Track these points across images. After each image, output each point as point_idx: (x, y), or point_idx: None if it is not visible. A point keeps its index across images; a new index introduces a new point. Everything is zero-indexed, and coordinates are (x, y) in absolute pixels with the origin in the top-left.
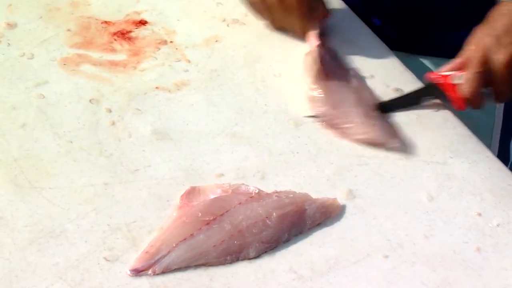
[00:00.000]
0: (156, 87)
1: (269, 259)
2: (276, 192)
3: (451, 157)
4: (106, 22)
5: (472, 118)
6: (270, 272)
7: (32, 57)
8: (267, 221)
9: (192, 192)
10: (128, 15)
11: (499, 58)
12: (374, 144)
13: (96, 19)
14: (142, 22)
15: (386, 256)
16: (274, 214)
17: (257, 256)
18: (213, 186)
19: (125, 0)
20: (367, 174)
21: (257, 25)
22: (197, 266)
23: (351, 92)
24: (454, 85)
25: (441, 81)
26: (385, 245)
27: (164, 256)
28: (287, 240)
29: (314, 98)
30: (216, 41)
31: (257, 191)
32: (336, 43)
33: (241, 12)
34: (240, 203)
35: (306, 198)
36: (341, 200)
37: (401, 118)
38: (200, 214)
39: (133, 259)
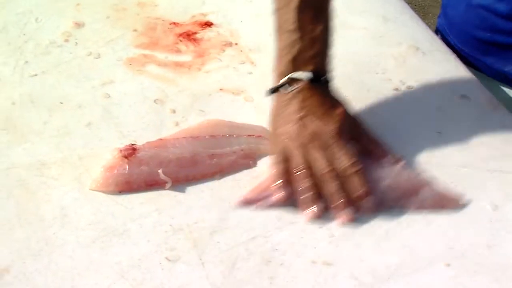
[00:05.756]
0: (220, 89)
1: (328, 267)
2: (403, 163)
3: None
4: (174, 23)
5: None
6: (331, 277)
7: (98, 56)
8: (378, 184)
9: None
10: (194, 16)
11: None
12: None
13: (163, 20)
14: (208, 24)
15: (448, 265)
16: (387, 181)
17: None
18: None
19: (191, 2)
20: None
21: None
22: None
23: None
24: None
25: None
26: (448, 254)
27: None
28: (387, 209)
29: None
30: None
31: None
32: (402, 49)
33: None
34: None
35: (425, 181)
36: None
37: (466, 125)
38: None
39: (194, 259)
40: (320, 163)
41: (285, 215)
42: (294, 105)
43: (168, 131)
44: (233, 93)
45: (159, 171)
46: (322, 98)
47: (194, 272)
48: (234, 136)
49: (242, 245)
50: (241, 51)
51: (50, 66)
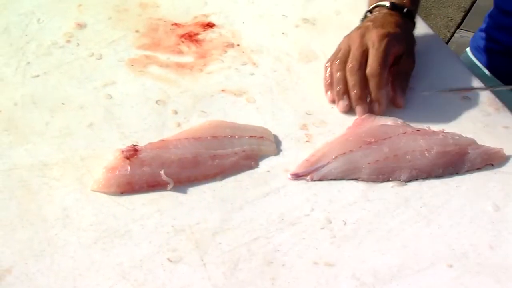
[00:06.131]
0: (222, 90)
1: (330, 268)
2: (443, 132)
3: None
4: (176, 24)
5: None
6: (332, 278)
7: (100, 57)
8: (426, 153)
9: (368, 118)
10: (196, 17)
11: None
12: None
13: (165, 21)
14: (210, 25)
15: (450, 266)
16: (435, 148)
17: (407, 181)
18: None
19: (194, 3)
20: (433, 183)
21: (326, 27)
22: (350, 179)
23: None
24: None
25: None
26: (449, 255)
27: (323, 166)
28: (440, 176)
29: None
30: (283, 44)
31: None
32: None
33: (309, 14)
34: (405, 132)
35: (471, 142)
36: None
37: (467, 125)
38: (364, 135)
39: (196, 260)
40: (354, 54)
41: (287, 216)
42: (365, 22)
43: (170, 132)
44: (235, 94)
45: (161, 172)
46: (393, 19)
47: (196, 273)
48: (236, 137)
49: (244, 246)
50: (243, 52)
51: (52, 67)
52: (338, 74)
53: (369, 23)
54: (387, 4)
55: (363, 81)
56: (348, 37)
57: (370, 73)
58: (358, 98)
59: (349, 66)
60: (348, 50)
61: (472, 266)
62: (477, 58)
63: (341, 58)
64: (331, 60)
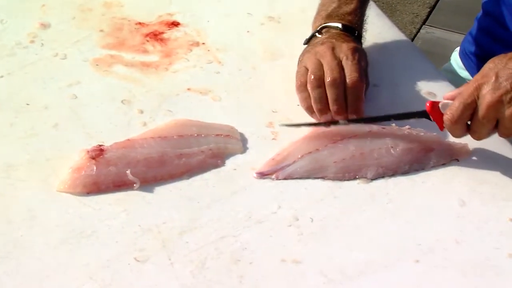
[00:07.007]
0: (188, 89)
1: (297, 265)
2: (409, 128)
3: (484, 163)
4: (140, 23)
5: None
6: (300, 275)
7: (65, 57)
8: (391, 150)
9: None
10: (160, 16)
11: (486, 97)
12: None
13: (129, 20)
14: (175, 24)
15: (417, 261)
16: (400, 146)
17: (373, 178)
18: None
19: (158, 2)
20: (399, 179)
21: (291, 24)
22: (316, 178)
23: None
24: (441, 113)
25: (432, 108)
26: (416, 250)
27: (289, 165)
28: (406, 172)
29: None
30: (249, 42)
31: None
32: (368, 46)
33: (274, 12)
34: (370, 130)
35: (436, 138)
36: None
37: (433, 123)
38: (329, 133)
39: (164, 260)
40: (330, 66)
41: (254, 214)
42: (321, 40)
43: (135, 131)
44: (200, 92)
45: (127, 171)
46: (349, 38)
47: (163, 272)
48: (202, 135)
49: (211, 245)
50: (208, 50)
51: (16, 67)
52: (317, 91)
53: (331, 39)
54: (339, 25)
55: (344, 93)
56: (313, 53)
57: (350, 85)
58: (340, 111)
59: (329, 80)
60: (319, 64)
61: (439, 261)
62: (463, 62)
63: (315, 74)
64: (302, 81)
